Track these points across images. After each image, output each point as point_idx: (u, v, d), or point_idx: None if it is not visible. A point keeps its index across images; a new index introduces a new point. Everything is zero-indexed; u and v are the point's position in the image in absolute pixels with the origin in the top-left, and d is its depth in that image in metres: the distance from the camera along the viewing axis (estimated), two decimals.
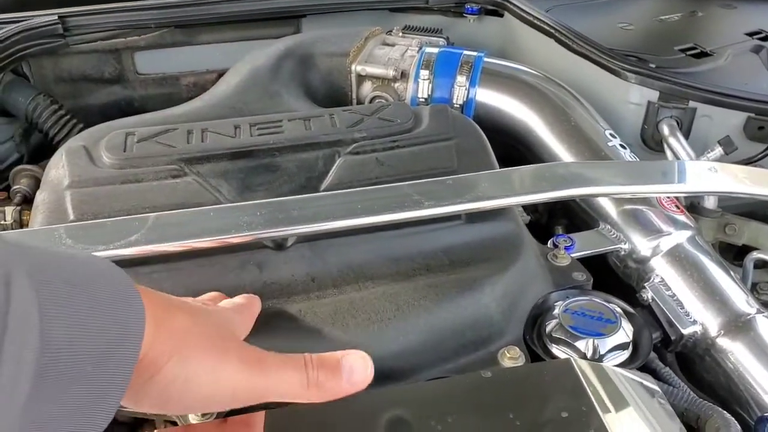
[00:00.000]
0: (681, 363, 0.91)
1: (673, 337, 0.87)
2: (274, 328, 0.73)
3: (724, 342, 0.85)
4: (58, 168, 0.87)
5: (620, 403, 0.66)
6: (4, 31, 1.21)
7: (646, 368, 0.81)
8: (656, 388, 0.72)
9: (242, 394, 0.54)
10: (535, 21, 1.35)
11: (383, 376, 0.73)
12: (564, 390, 0.64)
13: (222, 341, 0.54)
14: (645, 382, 0.71)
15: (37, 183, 1.07)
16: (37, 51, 1.27)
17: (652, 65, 1.18)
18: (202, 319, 0.56)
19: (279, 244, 0.80)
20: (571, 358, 0.70)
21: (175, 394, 0.50)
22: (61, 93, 1.34)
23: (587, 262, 0.91)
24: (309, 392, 0.56)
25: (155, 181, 0.85)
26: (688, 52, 1.25)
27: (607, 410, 0.62)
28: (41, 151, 1.29)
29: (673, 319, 0.87)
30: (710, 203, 1.06)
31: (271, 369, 0.55)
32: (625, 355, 0.78)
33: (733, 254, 1.14)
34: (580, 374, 0.66)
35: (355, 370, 0.58)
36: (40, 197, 0.85)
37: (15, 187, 1.11)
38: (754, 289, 1.05)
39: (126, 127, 0.95)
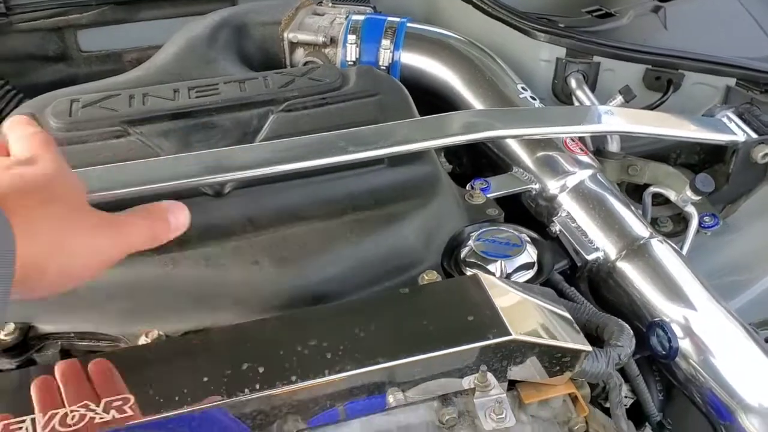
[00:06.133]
0: (592, 291, 1.01)
1: (579, 264, 0.98)
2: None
3: (622, 265, 0.95)
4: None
5: (520, 308, 0.75)
6: None
7: (554, 288, 0.91)
8: (556, 299, 0.81)
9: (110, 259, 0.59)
10: None
11: (315, 299, 0.82)
12: (471, 299, 0.74)
13: (81, 225, 0.57)
14: (545, 296, 0.80)
15: None
16: None
17: (561, 25, 1.28)
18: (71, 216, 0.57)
19: (217, 192, 0.87)
20: (478, 273, 0.80)
21: (54, 279, 0.54)
22: (6, 72, 1.38)
23: (504, 205, 1.00)
24: (154, 241, 0.63)
25: (100, 141, 0.91)
26: (594, 14, 1.36)
27: (508, 314, 0.71)
28: None
29: (578, 247, 0.98)
30: (614, 147, 1.17)
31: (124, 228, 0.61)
32: (530, 273, 0.88)
33: (639, 195, 1.24)
34: (486, 286, 0.75)
35: (178, 215, 0.66)
36: None
37: None
38: (654, 223, 1.16)
39: (71, 95, 1.00)
